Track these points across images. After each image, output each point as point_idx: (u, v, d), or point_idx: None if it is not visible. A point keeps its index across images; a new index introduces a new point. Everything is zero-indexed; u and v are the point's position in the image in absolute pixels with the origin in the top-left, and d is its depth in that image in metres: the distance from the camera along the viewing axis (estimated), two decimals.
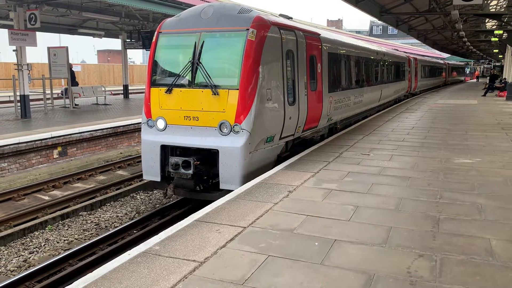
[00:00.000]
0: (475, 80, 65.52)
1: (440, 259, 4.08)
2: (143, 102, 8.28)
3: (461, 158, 8.56)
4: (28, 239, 7.85)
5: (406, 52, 28.18)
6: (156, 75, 8.22)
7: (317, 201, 5.79)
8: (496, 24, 28.20)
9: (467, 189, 6.38)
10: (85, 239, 7.87)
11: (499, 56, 52.38)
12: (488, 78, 35.43)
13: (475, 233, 4.71)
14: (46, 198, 10.22)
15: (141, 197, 10.34)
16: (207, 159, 7.83)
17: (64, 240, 7.86)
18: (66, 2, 17.77)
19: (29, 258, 7.17)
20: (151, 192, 10.67)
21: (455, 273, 3.80)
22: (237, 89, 7.38)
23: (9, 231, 7.91)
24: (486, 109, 18.77)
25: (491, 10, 24.45)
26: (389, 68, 19.01)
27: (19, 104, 16.52)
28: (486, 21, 28.96)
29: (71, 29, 23.94)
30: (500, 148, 9.57)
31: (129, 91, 27.21)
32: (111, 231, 7.91)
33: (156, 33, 8.40)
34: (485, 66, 77.79)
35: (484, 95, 28.15)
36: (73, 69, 21.76)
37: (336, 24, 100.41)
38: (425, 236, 4.61)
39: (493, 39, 31.08)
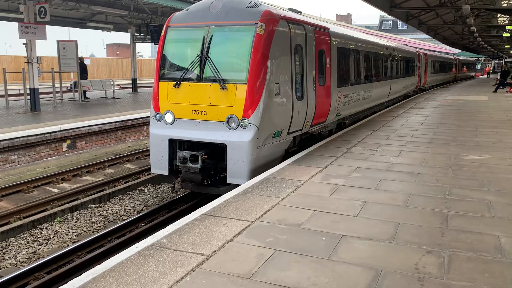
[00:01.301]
0: (485, 76, 64.81)
1: (449, 255, 4.05)
2: (152, 96, 8.30)
3: (470, 154, 8.49)
4: (37, 231, 7.93)
5: (416, 47, 27.93)
6: (165, 69, 8.23)
7: (324, 196, 5.78)
8: (508, 19, 27.83)
9: (477, 186, 6.32)
10: (93, 232, 7.94)
11: (511, 51, 51.76)
12: (499, 74, 35.01)
13: (484, 230, 4.67)
14: (55, 190, 10.31)
15: (149, 190, 10.39)
16: (215, 153, 7.84)
17: (73, 232, 7.93)
18: None
19: (38, 249, 7.25)
20: (159, 186, 10.71)
21: (463, 270, 3.78)
22: (245, 84, 7.37)
23: (19, 222, 7.99)
24: (497, 106, 18.57)
25: (503, 5, 24.13)
26: (398, 63, 18.86)
27: (28, 97, 16.65)
28: (498, 16, 28.60)
29: (80, 23, 24.04)
30: (511, 145, 9.46)
31: (138, 85, 27.29)
32: (119, 224, 7.96)
33: (164, 27, 8.40)
34: (496, 62, 76.88)
35: (495, 91, 27.83)
36: (85, 62, 21.80)
37: (346, 18, 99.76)
38: (434, 233, 4.58)
39: (504, 34, 30.70)
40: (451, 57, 44.92)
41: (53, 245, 7.40)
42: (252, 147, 7.39)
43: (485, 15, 28.65)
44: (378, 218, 4.99)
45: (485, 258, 4.01)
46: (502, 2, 23.79)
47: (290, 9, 10.03)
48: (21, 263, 6.79)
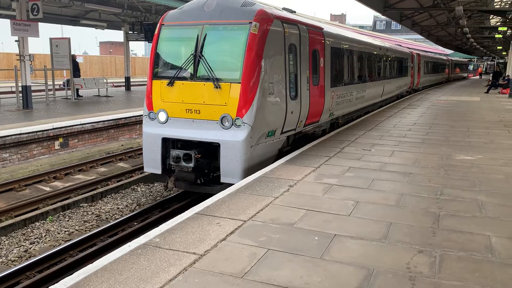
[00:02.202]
0: (478, 77, 65.29)
1: (440, 255, 4.09)
2: (145, 95, 8.27)
3: (462, 154, 8.55)
4: (29, 230, 7.88)
5: (409, 48, 28.07)
6: (158, 67, 8.21)
7: (317, 196, 5.80)
8: (501, 20, 28.05)
9: (468, 186, 6.37)
10: (85, 231, 7.90)
11: (503, 53, 52.16)
12: (491, 75, 35.27)
13: (475, 229, 4.72)
14: (47, 189, 10.25)
15: (142, 189, 10.36)
16: (209, 152, 7.83)
17: (65, 231, 7.89)
18: None
19: (30, 248, 7.20)
20: (151, 185, 10.68)
21: (454, 269, 3.81)
22: (239, 83, 7.37)
23: (10, 221, 7.94)
24: (489, 106, 18.72)
25: (495, 7, 24.33)
26: (391, 64, 18.94)
27: (21, 94, 16.52)
28: (490, 17, 28.83)
29: (74, 20, 23.89)
30: (502, 146, 9.55)
31: (131, 83, 27.18)
32: (112, 222, 7.93)
33: (158, 25, 8.37)
34: (488, 63, 77.47)
35: (487, 92, 28.05)
36: (77, 60, 21.67)
37: (340, 18, 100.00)
38: (425, 232, 4.61)
39: (497, 35, 30.95)
40: (444, 57, 45.19)
41: (45, 244, 7.36)
42: (245, 146, 7.40)
43: (477, 17, 28.85)
44: (370, 218, 5.02)
45: (476, 257, 4.05)
46: (494, 4, 23.98)
47: (284, 9, 10.04)
48: (12, 262, 6.75)
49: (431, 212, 5.22)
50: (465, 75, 63.12)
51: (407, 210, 5.29)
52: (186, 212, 5.22)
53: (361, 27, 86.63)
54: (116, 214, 8.76)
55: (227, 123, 7.47)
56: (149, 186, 10.62)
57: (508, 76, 29.76)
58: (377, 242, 4.35)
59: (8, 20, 15.56)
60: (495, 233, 4.63)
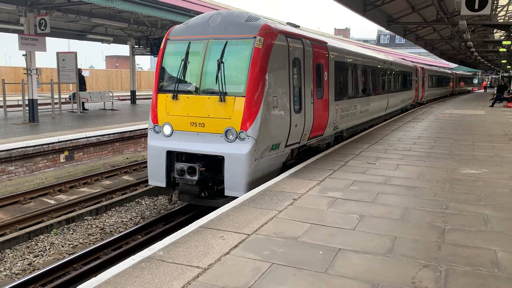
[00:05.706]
0: (482, 90, 65.25)
1: (445, 270, 4.05)
2: (150, 108, 8.33)
3: (467, 168, 8.51)
4: (33, 243, 7.89)
5: (413, 62, 28.15)
6: (163, 81, 8.28)
7: (322, 210, 5.78)
8: (504, 34, 28.12)
9: (474, 200, 6.33)
10: (89, 244, 7.89)
11: (507, 66, 52.20)
12: (495, 88, 35.23)
13: (480, 244, 4.67)
14: (52, 202, 10.27)
15: (146, 202, 10.37)
16: (213, 165, 7.85)
17: (69, 244, 7.88)
18: (75, 8, 17.99)
19: (34, 261, 7.20)
20: (156, 198, 10.69)
21: (460, 284, 3.77)
22: (244, 96, 7.41)
23: (15, 234, 7.95)
24: (494, 120, 18.67)
25: (499, 21, 24.41)
26: (396, 77, 18.98)
27: (27, 108, 16.67)
28: (494, 31, 28.90)
29: (80, 35, 24.20)
30: (508, 159, 9.50)
31: (137, 97, 27.36)
32: (116, 236, 7.92)
33: (164, 39, 8.47)
34: (493, 76, 77.49)
35: (492, 105, 28.00)
36: (83, 74, 21.90)
37: (344, 32, 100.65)
38: (430, 247, 4.58)
39: (501, 49, 30.98)
40: (448, 71, 45.26)
41: (49, 257, 7.36)
42: (249, 159, 7.41)
43: (481, 31, 28.93)
44: (375, 232, 4.99)
45: (482, 272, 4.01)
46: (498, 18, 24.06)
47: (288, 24, 10.13)
48: (16, 275, 6.74)
49: (436, 226, 5.19)
50: (470, 88, 63.11)
51: (412, 224, 5.26)
52: (190, 225, 5.21)
53: (365, 41, 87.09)
54: (120, 227, 8.76)
55: (231, 136, 7.50)
56: (153, 199, 10.62)
57: None
58: (381, 257, 4.32)
59: (16, 35, 15.79)
60: (501, 247, 4.58)
